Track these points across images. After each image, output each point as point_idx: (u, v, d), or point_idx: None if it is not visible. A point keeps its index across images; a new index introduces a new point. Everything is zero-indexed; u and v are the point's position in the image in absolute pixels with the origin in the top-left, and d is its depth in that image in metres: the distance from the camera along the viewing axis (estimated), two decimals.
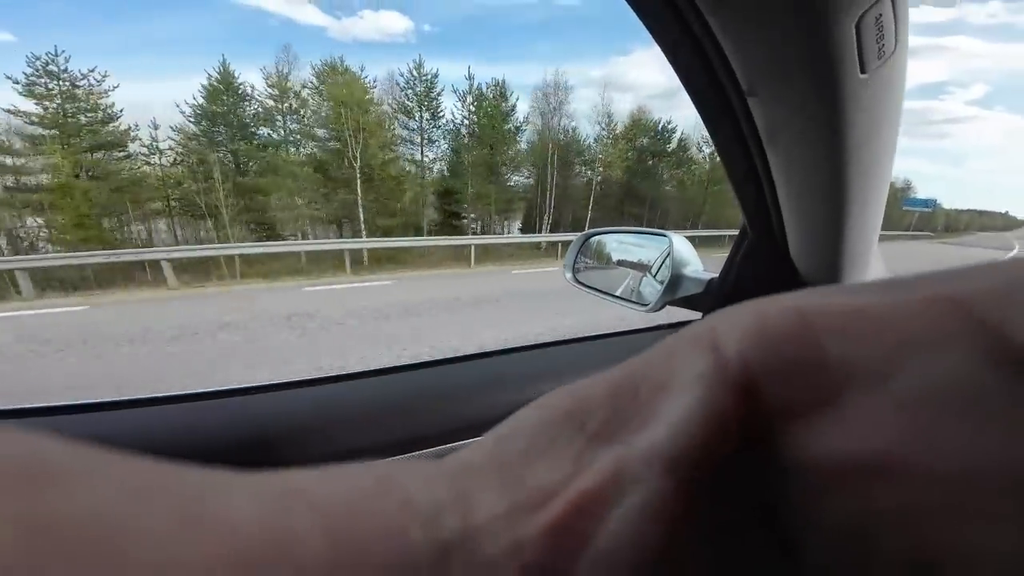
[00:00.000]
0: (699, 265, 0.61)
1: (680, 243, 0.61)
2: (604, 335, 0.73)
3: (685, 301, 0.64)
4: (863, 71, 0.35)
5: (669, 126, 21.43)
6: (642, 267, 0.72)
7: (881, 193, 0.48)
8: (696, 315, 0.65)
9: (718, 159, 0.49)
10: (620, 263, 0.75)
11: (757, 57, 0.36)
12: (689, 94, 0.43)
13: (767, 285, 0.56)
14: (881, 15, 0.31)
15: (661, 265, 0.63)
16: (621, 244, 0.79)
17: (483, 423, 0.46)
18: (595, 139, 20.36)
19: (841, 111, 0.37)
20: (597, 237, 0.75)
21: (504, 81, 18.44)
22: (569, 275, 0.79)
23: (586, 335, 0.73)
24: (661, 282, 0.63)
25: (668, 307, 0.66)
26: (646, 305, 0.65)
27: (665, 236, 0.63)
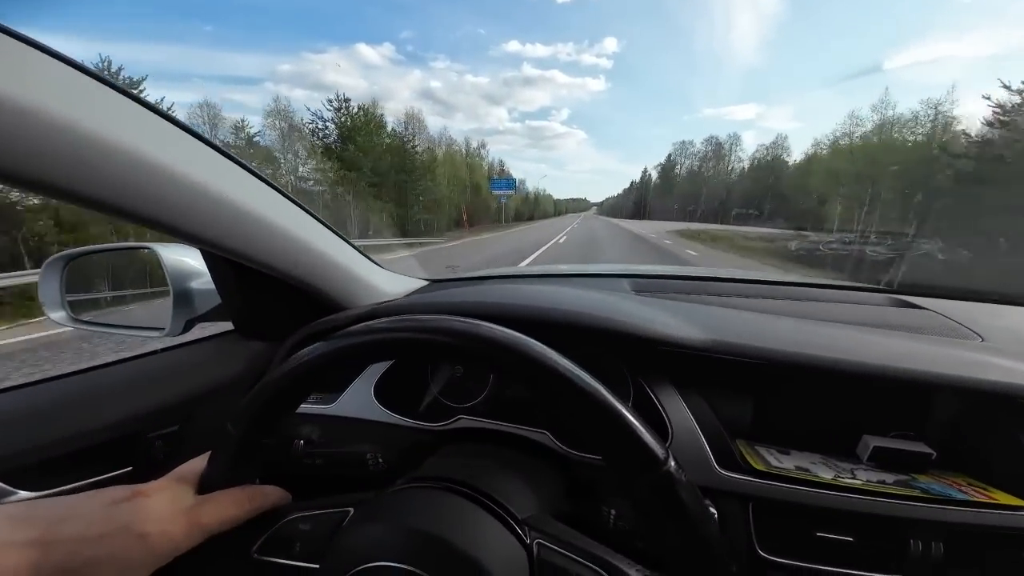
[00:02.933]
0: (207, 275, 0.57)
1: (173, 254, 0.55)
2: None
3: (216, 313, 0.60)
4: None
5: None
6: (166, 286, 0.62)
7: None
8: (228, 325, 0.62)
9: None
10: (134, 288, 0.62)
11: None
12: None
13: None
14: None
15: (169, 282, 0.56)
16: (150, 262, 0.65)
17: None
18: None
19: None
20: (81, 260, 0.59)
21: None
22: (61, 314, 0.59)
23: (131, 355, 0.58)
24: (174, 301, 0.56)
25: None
26: (162, 330, 0.56)
27: (149, 248, 0.55)
